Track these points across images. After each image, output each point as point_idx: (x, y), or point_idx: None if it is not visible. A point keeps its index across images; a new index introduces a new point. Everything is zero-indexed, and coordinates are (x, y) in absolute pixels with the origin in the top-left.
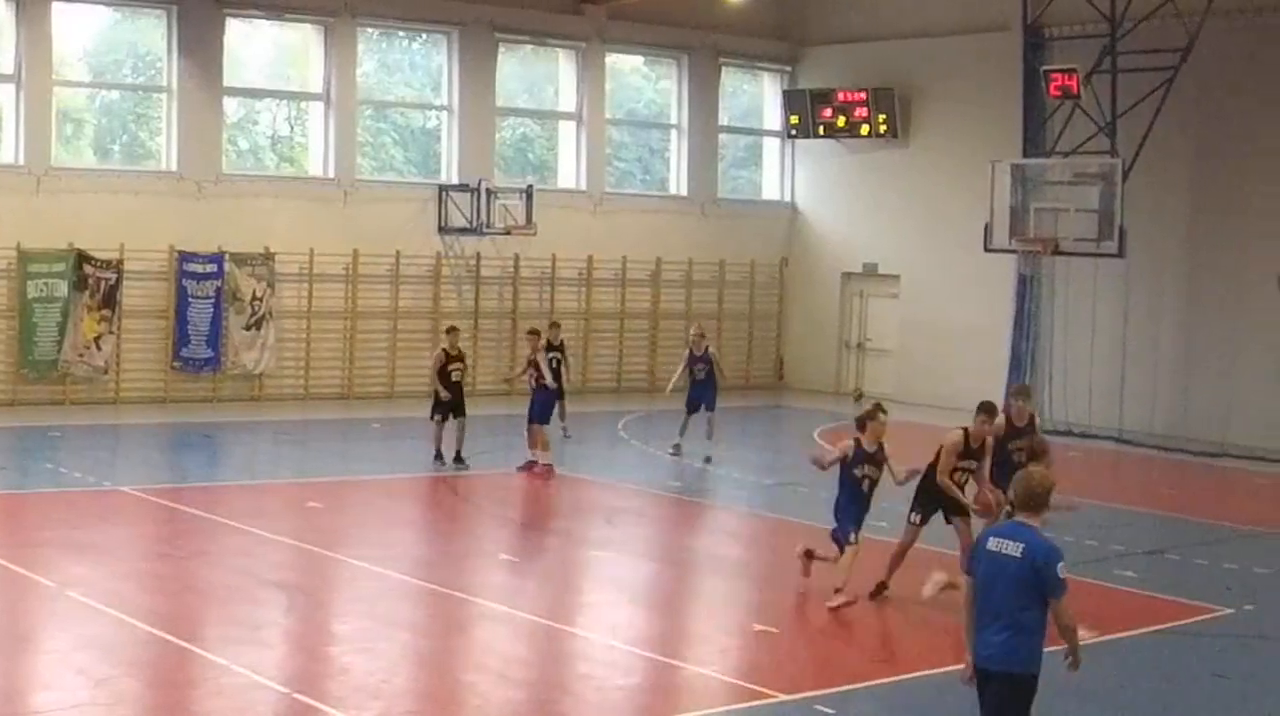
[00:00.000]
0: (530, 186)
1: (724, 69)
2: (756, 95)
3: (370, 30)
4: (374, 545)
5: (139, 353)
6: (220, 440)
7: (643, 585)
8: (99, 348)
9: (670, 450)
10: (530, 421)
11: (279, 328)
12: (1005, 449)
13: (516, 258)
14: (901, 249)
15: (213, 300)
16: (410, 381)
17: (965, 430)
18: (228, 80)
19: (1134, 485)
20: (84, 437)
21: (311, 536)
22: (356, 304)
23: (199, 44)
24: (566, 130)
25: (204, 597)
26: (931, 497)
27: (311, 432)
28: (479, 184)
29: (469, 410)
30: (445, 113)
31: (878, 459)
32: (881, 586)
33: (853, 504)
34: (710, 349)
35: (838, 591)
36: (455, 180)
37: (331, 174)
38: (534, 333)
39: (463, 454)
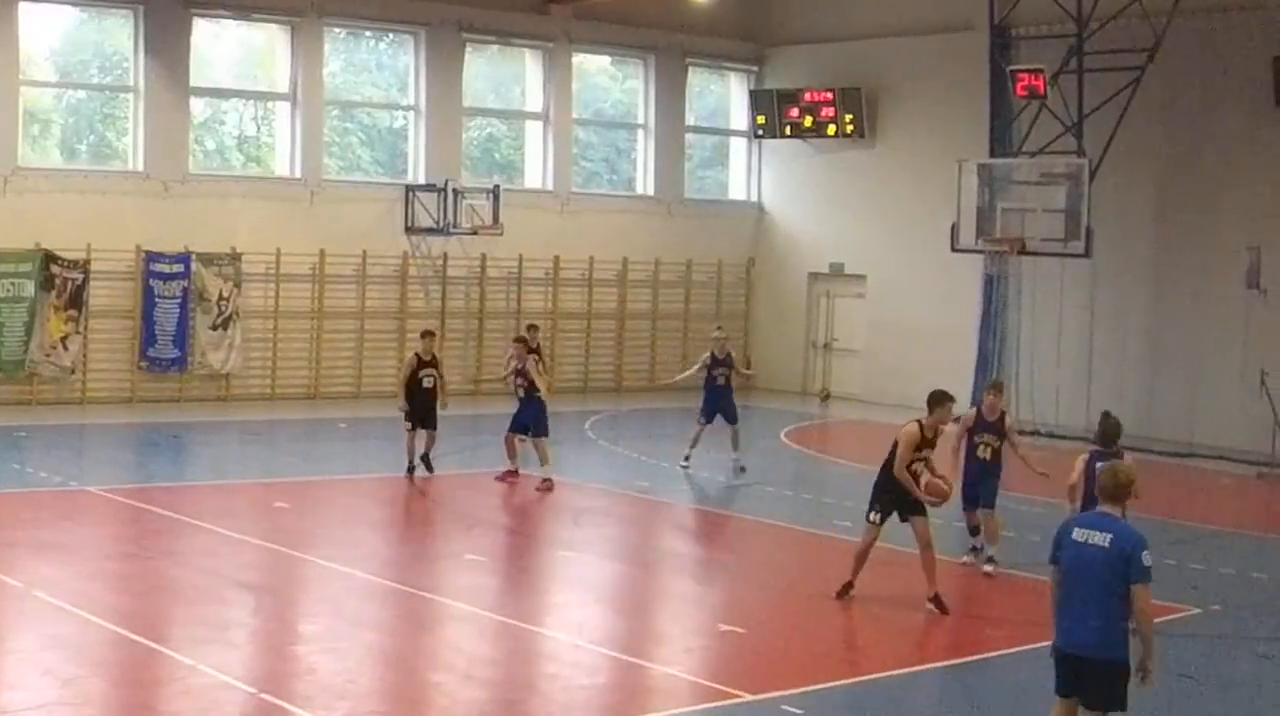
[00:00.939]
0: (497, 186)
1: (690, 69)
2: (723, 95)
3: (337, 30)
4: (341, 545)
5: (106, 352)
6: (187, 440)
7: (609, 585)
8: (66, 348)
9: (682, 462)
10: (512, 430)
11: (246, 327)
12: (972, 441)
13: (483, 258)
14: (868, 249)
15: (179, 300)
16: (377, 382)
17: (920, 422)
18: (194, 80)
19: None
20: (51, 437)
21: (278, 536)
22: (323, 304)
23: (166, 44)
24: (533, 130)
25: (171, 597)
26: (890, 495)
27: (278, 432)
28: (446, 184)
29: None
30: (412, 113)
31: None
32: (847, 586)
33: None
34: (732, 352)
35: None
36: (422, 180)
37: (298, 174)
38: (521, 340)
39: (430, 459)
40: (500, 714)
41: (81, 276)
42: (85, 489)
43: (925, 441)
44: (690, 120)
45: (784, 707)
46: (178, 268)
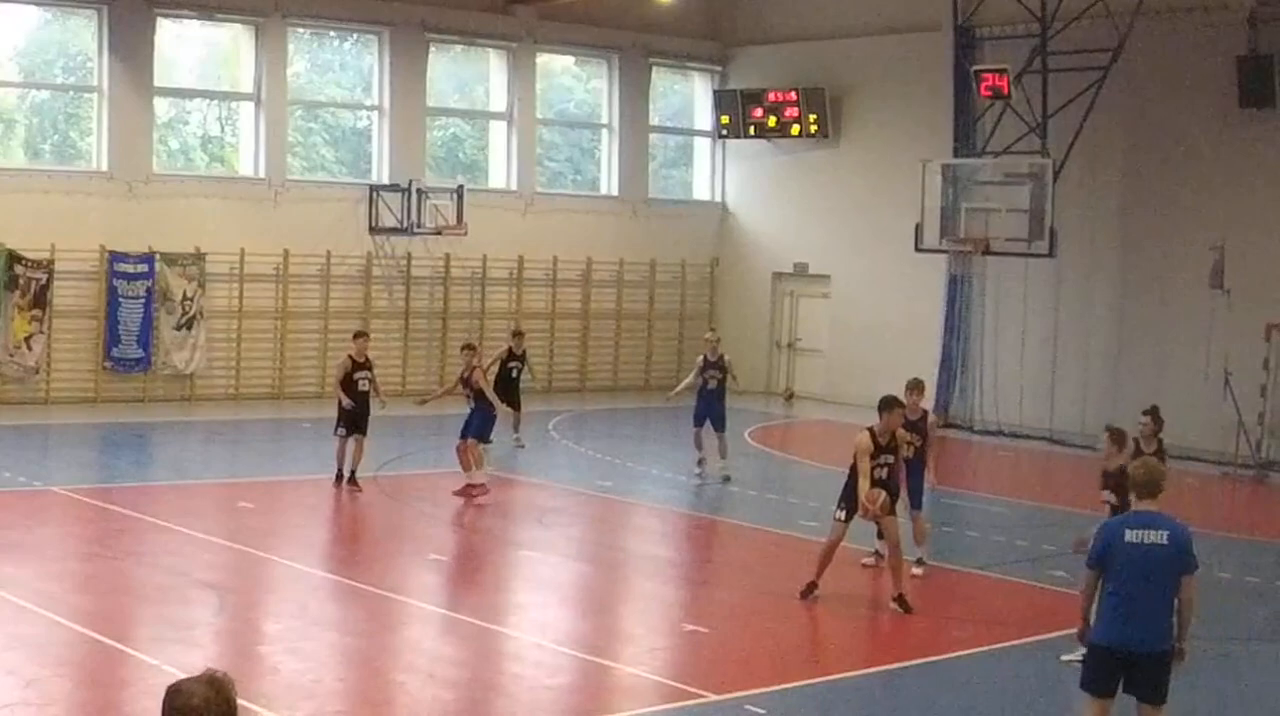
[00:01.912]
0: (461, 186)
1: (655, 69)
2: (687, 95)
3: (301, 30)
4: (305, 545)
5: (70, 352)
6: (151, 440)
7: (573, 585)
8: (30, 347)
9: (696, 471)
10: (464, 437)
11: (210, 327)
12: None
13: (447, 258)
14: (832, 249)
15: (143, 300)
16: None
17: (871, 429)
18: (158, 80)
19: (1065, 485)
20: (14, 437)
21: (242, 536)
22: (287, 304)
23: (130, 44)
24: (497, 130)
25: (135, 597)
26: (855, 496)
27: (242, 432)
28: (410, 184)
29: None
30: (376, 113)
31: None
32: (811, 586)
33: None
34: (726, 355)
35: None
36: (386, 180)
37: (262, 174)
38: (470, 347)
39: (357, 475)
40: (464, 714)
41: (45, 276)
42: (49, 489)
43: (880, 447)
44: (654, 120)
45: (748, 707)
46: (142, 268)
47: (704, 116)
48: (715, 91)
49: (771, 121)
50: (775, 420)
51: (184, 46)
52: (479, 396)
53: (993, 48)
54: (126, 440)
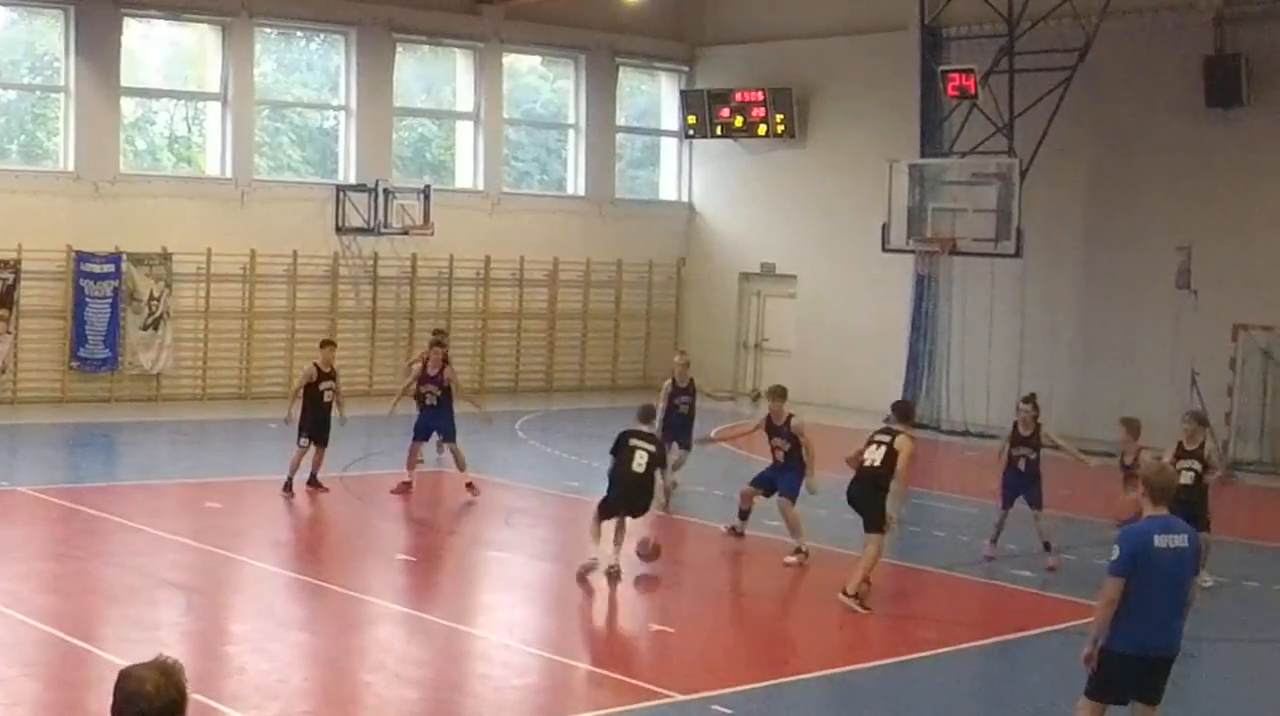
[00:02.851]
0: (428, 186)
1: (621, 69)
2: (654, 95)
3: (268, 30)
4: (272, 545)
5: (36, 352)
6: (118, 440)
7: (540, 585)
8: None
9: (729, 530)
10: (421, 439)
11: (176, 327)
12: (770, 443)
13: (414, 258)
14: (799, 249)
15: (110, 300)
16: None
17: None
18: (125, 80)
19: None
20: None
21: (210, 536)
22: (254, 304)
23: (96, 44)
24: (464, 130)
25: (102, 597)
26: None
27: (209, 433)
28: (376, 184)
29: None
30: (343, 113)
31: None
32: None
33: None
34: (695, 379)
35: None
36: (353, 180)
37: (229, 174)
38: (440, 344)
39: (319, 477)
40: (430, 713)
41: (12, 276)
42: (16, 489)
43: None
44: (621, 120)
45: (714, 707)
46: (108, 268)
47: (671, 116)
48: (682, 91)
49: (738, 121)
50: (741, 420)
51: (151, 46)
52: (446, 393)
53: (960, 48)
54: (93, 440)
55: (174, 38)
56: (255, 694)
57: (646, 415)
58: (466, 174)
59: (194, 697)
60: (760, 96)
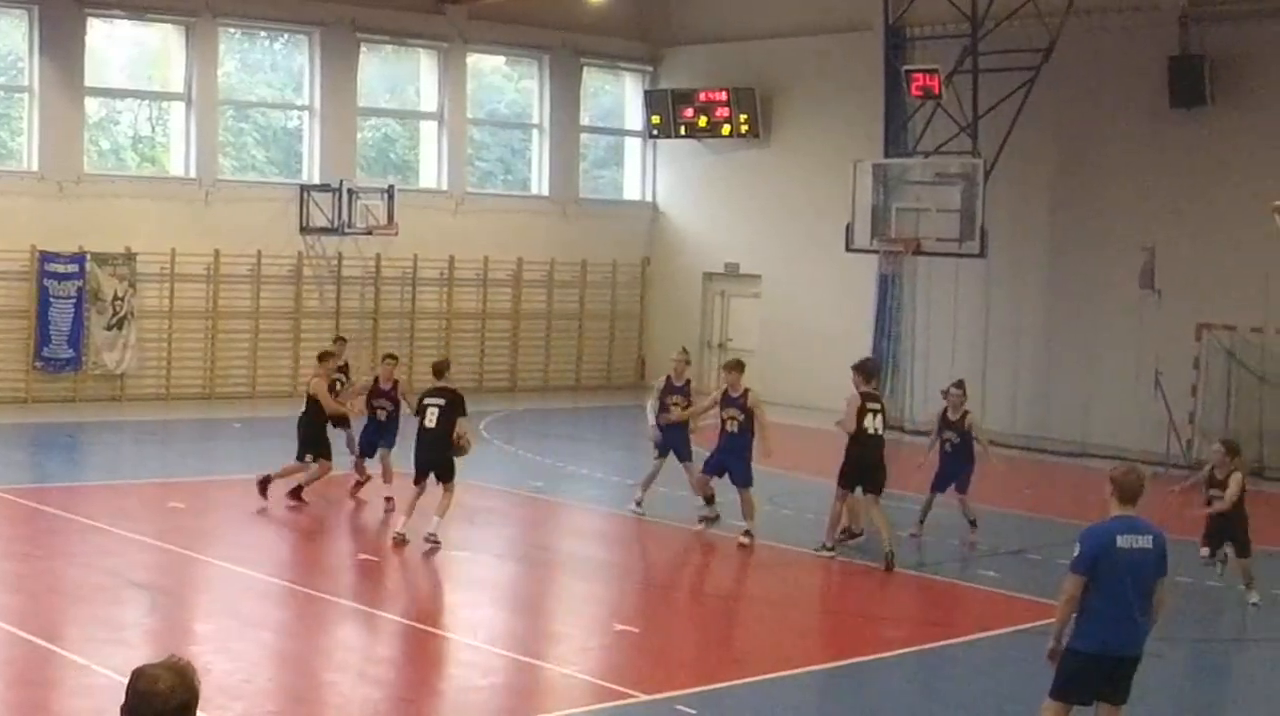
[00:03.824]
0: (392, 186)
1: (585, 69)
2: (618, 95)
3: (232, 30)
4: (236, 545)
5: (0, 353)
6: (82, 440)
7: (504, 585)
8: None
9: (633, 506)
10: (370, 454)
11: (140, 328)
12: (723, 415)
13: (378, 258)
14: (763, 249)
15: (74, 300)
16: (272, 381)
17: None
18: (89, 80)
19: (995, 485)
20: None
21: (174, 536)
22: (218, 304)
23: (60, 44)
24: (428, 130)
25: (66, 598)
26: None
27: (173, 433)
28: (340, 184)
29: None
30: (307, 113)
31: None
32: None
33: None
34: (691, 381)
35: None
36: (317, 180)
37: (193, 174)
38: (394, 357)
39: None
40: (395, 713)
41: None
42: None
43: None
44: (585, 120)
45: (678, 707)
46: (72, 268)
47: (635, 116)
48: (646, 91)
49: (702, 121)
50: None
51: (115, 46)
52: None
53: (923, 48)
54: (57, 440)
55: (138, 37)
56: (219, 694)
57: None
58: (430, 174)
59: None
60: (724, 96)
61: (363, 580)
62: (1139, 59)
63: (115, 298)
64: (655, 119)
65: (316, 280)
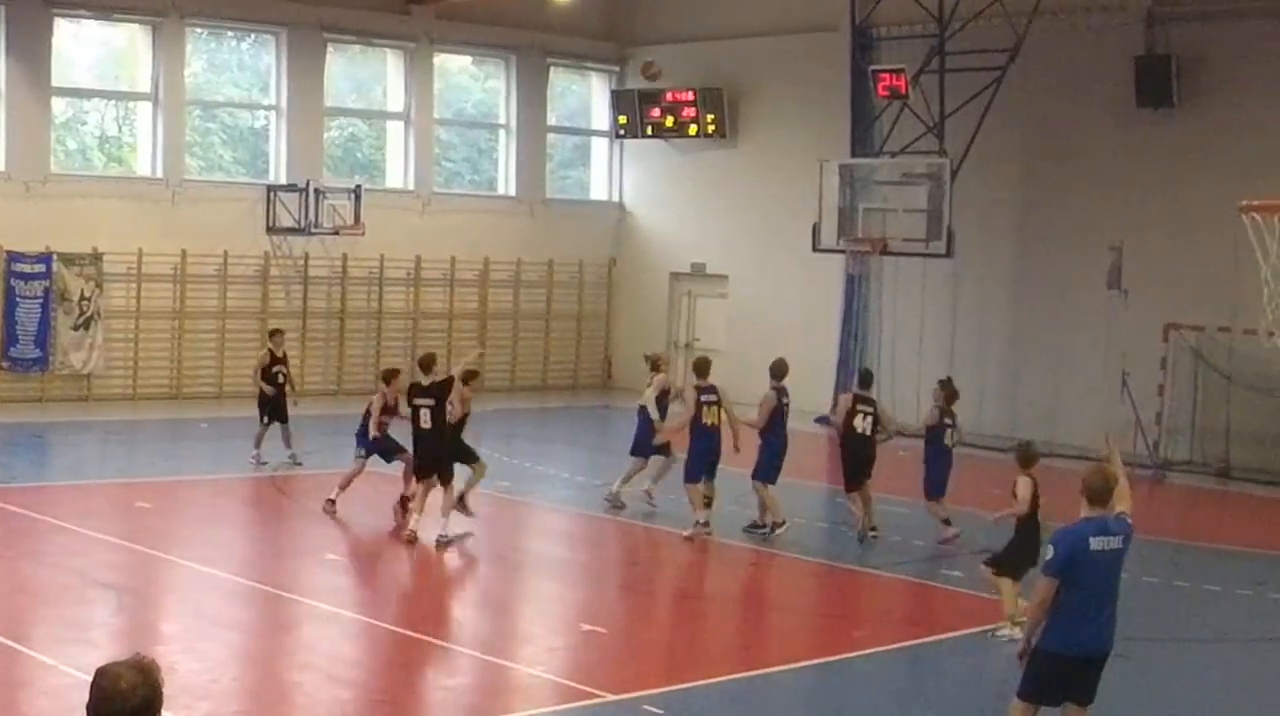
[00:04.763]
0: (359, 186)
1: (552, 69)
2: (585, 95)
3: (199, 30)
4: (202, 545)
5: None
6: (49, 440)
7: (471, 585)
8: None
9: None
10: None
11: (107, 328)
12: (700, 402)
13: (345, 258)
14: (730, 249)
15: (41, 300)
16: (239, 381)
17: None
18: (56, 80)
19: (962, 485)
20: None
21: (140, 536)
22: (185, 304)
23: (27, 44)
24: (395, 130)
25: (32, 598)
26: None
27: (140, 433)
28: (307, 184)
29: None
30: (273, 113)
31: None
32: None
33: None
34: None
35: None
36: (283, 180)
37: (159, 174)
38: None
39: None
40: (362, 714)
41: None
42: None
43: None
44: (552, 120)
45: (645, 708)
46: (39, 268)
47: (601, 116)
48: (613, 92)
49: (669, 121)
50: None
51: (81, 46)
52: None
53: (890, 48)
54: (24, 440)
55: (105, 37)
56: (184, 694)
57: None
58: (397, 174)
59: None
60: (691, 96)
61: (330, 580)
62: (1105, 59)
63: (82, 298)
64: (622, 119)
65: (283, 280)
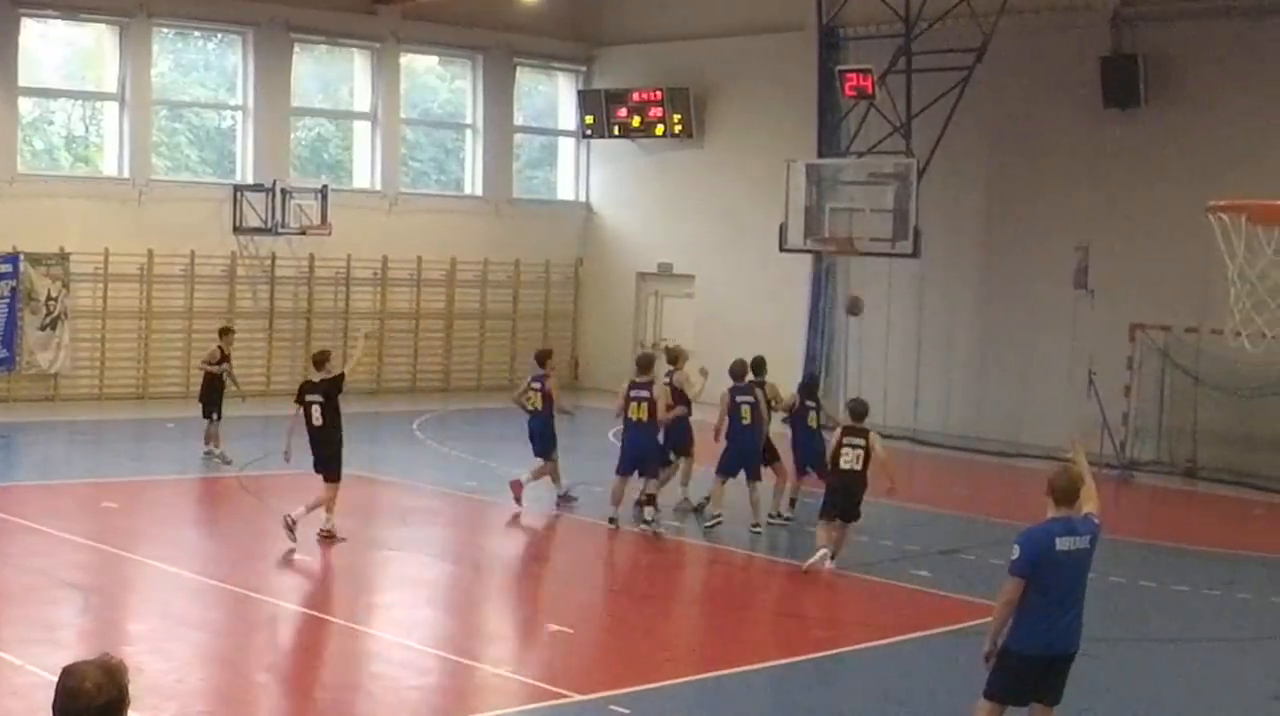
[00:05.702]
0: (325, 186)
1: (519, 69)
2: (551, 95)
3: (165, 30)
4: (168, 545)
5: None
6: (15, 440)
7: (438, 585)
8: None
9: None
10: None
11: (74, 327)
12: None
13: (312, 258)
14: (697, 249)
15: (7, 300)
16: None
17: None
18: (23, 80)
19: (929, 485)
20: None
21: (107, 536)
22: (151, 304)
23: None
24: (361, 130)
25: None
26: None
27: (107, 433)
28: (274, 184)
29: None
30: (240, 113)
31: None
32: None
33: None
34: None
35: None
36: (250, 180)
37: (126, 174)
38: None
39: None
40: (328, 714)
41: None
42: None
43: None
44: (518, 120)
45: (612, 708)
46: (6, 268)
47: (568, 116)
48: (579, 91)
49: (636, 121)
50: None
51: (48, 46)
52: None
53: (857, 48)
54: None
55: (71, 37)
56: (151, 694)
57: None
58: (364, 174)
59: None
60: (658, 96)
61: (297, 580)
62: (1072, 59)
63: (49, 298)
64: (589, 119)
65: (250, 280)
